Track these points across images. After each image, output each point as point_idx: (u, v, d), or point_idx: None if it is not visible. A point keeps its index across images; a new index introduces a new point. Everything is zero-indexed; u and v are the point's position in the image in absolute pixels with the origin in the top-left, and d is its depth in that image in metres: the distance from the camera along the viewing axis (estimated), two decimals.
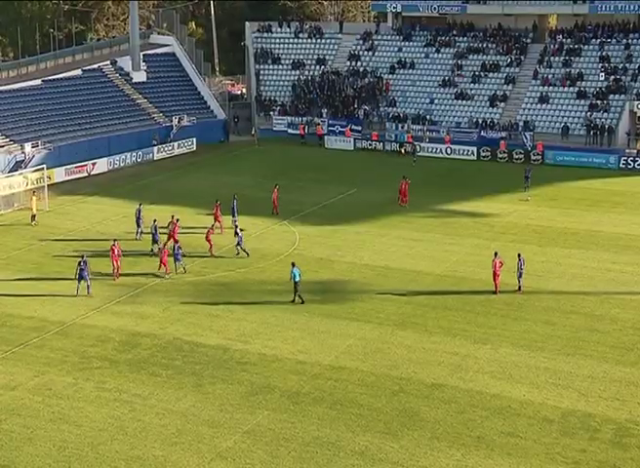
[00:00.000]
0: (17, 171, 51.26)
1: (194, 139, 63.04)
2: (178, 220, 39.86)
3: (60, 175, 53.20)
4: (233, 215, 42.92)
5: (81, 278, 33.93)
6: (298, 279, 32.81)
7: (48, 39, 70.18)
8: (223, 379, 26.92)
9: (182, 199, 48.08)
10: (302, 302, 32.80)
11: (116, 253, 35.78)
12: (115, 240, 36.69)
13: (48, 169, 49.80)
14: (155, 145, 60.65)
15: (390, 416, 24.58)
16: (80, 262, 34.13)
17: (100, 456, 22.72)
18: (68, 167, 54.11)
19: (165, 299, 33.81)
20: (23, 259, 38.50)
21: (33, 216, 43.85)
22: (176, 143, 62.09)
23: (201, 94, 69.61)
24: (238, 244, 38.66)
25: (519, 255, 34.22)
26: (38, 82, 61.71)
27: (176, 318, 31.98)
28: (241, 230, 39.63)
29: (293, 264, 33.25)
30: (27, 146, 53.82)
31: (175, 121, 63.72)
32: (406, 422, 24.28)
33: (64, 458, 22.65)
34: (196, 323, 31.47)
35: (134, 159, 58.57)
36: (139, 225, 41.11)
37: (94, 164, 55.81)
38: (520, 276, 34.03)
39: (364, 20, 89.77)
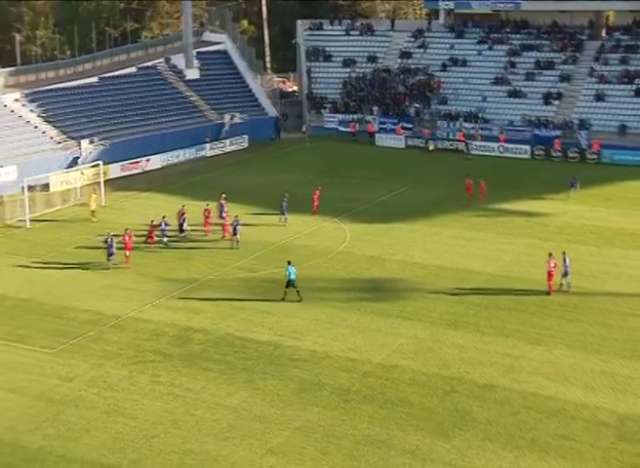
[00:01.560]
0: (74, 167, 52.27)
1: (246, 137, 63.40)
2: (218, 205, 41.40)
3: (115, 171, 54.00)
4: (282, 213, 43.11)
5: (111, 254, 36.50)
6: (293, 277, 32.92)
7: (103, 37, 71.30)
8: (274, 375, 27.10)
9: (235, 196, 48.29)
10: (298, 301, 32.61)
11: (127, 239, 37.28)
12: (127, 229, 38.12)
13: (103, 165, 50.65)
14: (207, 142, 61.21)
15: (442, 416, 24.47)
16: (107, 239, 36.68)
17: (155, 449, 23.09)
18: (123, 163, 54.93)
19: (217, 295, 34.14)
20: (81, 254, 39.25)
21: (93, 212, 44.64)
22: (227, 141, 62.50)
23: (252, 91, 69.99)
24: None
25: (564, 255, 33.76)
26: (94, 79, 62.73)
27: (227, 313, 32.29)
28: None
29: (289, 263, 33.35)
30: (84, 143, 54.88)
31: (227, 118, 64.20)
32: (458, 422, 24.14)
33: (120, 450, 23.07)
34: (248, 319, 31.76)
35: (187, 156, 59.19)
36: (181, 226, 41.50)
37: (148, 160, 56.55)
38: (565, 275, 33.51)
39: (416, 18, 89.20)
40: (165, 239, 40.31)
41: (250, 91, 69.86)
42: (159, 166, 57.05)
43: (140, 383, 26.66)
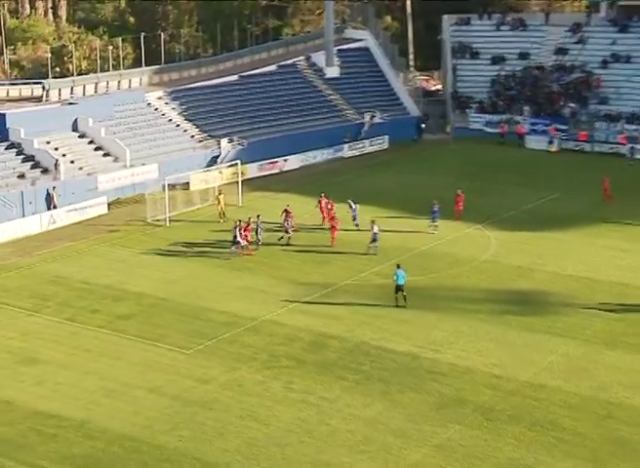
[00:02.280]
0: (213, 166, 53.90)
1: (386, 137, 63.38)
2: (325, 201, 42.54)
3: (252, 170, 55.28)
4: (432, 220, 42.63)
5: (236, 242, 38.64)
6: (402, 282, 32.28)
7: (245, 35, 73.27)
8: (412, 388, 26.82)
9: (372, 199, 48.50)
10: (403, 306, 32.41)
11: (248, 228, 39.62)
12: (250, 218, 40.55)
13: (241, 164, 51.92)
14: (346, 143, 61.62)
15: (597, 443, 23.44)
16: (236, 226, 38.80)
17: (288, 458, 23.32)
18: (261, 163, 56.18)
19: (353, 301, 34.23)
20: (216, 253, 40.42)
21: (222, 214, 45.75)
22: (367, 141, 62.72)
23: (394, 90, 69.89)
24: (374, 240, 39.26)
25: None
26: (235, 78, 64.50)
27: (364, 321, 32.30)
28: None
29: (398, 266, 32.86)
30: (224, 142, 56.58)
31: (366, 118, 64.40)
32: (615, 451, 23.04)
33: (253, 456, 23.46)
34: (384, 327, 31.65)
35: (325, 156, 59.80)
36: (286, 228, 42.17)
37: (285, 160, 57.58)
38: None
39: (573, 11, 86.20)
40: (260, 238, 40.64)
41: (391, 89, 69.82)
42: (297, 166, 57.90)
43: (273, 389, 27.06)
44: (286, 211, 42.20)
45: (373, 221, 40.28)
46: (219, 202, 46.06)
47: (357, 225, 42.97)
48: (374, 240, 39.69)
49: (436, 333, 30.92)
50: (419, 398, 26.26)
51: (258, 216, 41.74)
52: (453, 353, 29.27)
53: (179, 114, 58.89)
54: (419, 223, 43.01)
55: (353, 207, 43.88)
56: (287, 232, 41.65)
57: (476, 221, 44.28)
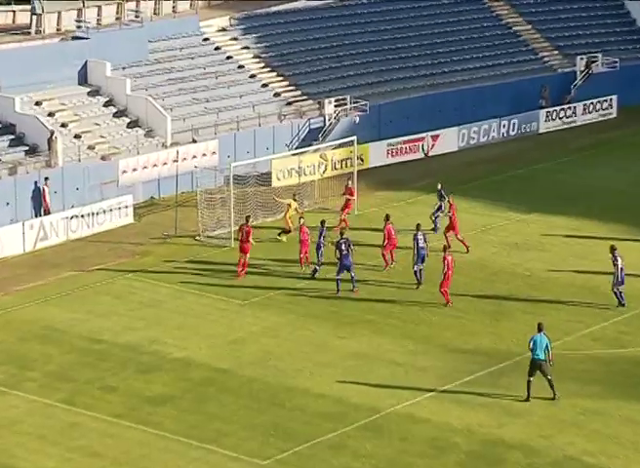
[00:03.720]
0: (311, 145, 54.31)
1: (613, 98, 62.81)
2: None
3: (377, 154, 55.62)
4: None
5: (343, 268, 40.01)
6: (539, 356, 32.77)
7: None
8: None
9: (585, 203, 48.79)
10: (553, 397, 33.00)
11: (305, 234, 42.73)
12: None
13: (358, 144, 51.80)
14: (543, 107, 61.74)
15: None
16: (339, 242, 40.48)
17: None
18: (392, 141, 56.33)
19: (547, 384, 33.72)
20: (314, 293, 40.60)
21: (283, 232, 46.64)
22: (579, 105, 62.14)
23: (633, 18, 69.05)
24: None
25: None
26: None
27: (568, 419, 32.10)
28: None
29: (539, 328, 33.31)
30: (329, 104, 56.60)
31: (580, 64, 63.64)
32: None
33: None
34: (606, 433, 31.38)
35: (504, 130, 59.59)
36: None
37: (434, 137, 57.30)
38: None
39: None
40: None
41: (628, 17, 69.18)
42: (454, 148, 58.07)
43: None
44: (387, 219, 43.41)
45: (614, 249, 40.01)
46: (288, 212, 46.73)
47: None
48: (621, 282, 39.64)
49: None
50: None
51: (322, 223, 43.55)
52: None
53: (254, 57, 59.57)
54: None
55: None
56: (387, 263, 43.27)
57: None
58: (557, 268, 43.35)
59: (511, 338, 37.22)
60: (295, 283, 42.07)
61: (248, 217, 43.54)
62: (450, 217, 44.98)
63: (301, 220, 43.74)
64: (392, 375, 34.67)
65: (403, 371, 34.89)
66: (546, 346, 33.18)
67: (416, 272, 41.52)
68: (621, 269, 39.48)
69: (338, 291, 40.52)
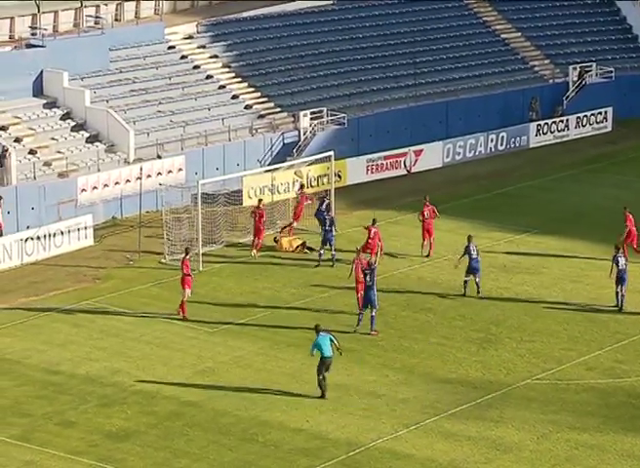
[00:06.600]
0: (285, 160, 54.23)
1: (609, 110, 62.99)
2: None
3: (356, 170, 55.69)
4: None
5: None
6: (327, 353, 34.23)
7: None
8: None
9: (583, 227, 49.51)
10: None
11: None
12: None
13: (336, 160, 51.93)
14: (533, 120, 62.15)
15: None
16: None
17: None
18: (373, 156, 56.46)
19: (539, 417, 33.99)
20: (289, 324, 40.57)
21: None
22: (571, 118, 62.24)
23: (629, 24, 69.30)
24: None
25: None
26: (329, 1, 64.93)
27: (563, 455, 32.10)
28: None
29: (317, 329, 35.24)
30: (304, 117, 56.78)
31: (573, 74, 63.68)
32: None
33: None
34: None
35: (492, 145, 59.68)
36: None
37: (417, 152, 57.40)
38: None
39: None
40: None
41: (624, 24, 69.52)
42: (439, 164, 58.30)
43: None
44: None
45: (617, 249, 41.15)
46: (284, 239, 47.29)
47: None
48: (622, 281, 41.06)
49: None
50: None
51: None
52: None
53: (223, 66, 59.75)
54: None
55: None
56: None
57: None
58: (548, 292, 43.55)
59: (499, 367, 37.27)
60: (268, 309, 42.09)
61: (187, 249, 42.90)
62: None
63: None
64: (372, 408, 34.65)
65: (384, 403, 34.87)
66: (330, 340, 35.06)
67: (466, 282, 42.80)
68: (623, 270, 40.71)
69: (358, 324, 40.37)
